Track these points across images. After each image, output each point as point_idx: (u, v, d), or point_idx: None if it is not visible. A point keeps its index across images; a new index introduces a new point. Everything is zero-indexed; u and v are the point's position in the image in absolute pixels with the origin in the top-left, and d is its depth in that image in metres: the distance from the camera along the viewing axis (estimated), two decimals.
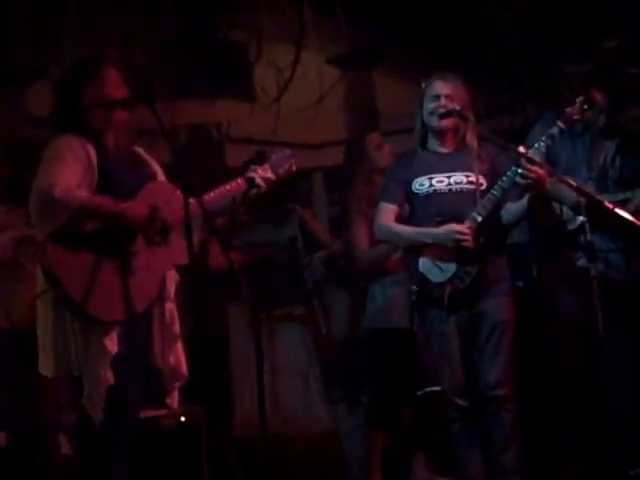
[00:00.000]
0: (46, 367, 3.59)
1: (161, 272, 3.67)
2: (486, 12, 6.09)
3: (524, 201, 4.18)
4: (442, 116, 4.28)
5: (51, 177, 3.44)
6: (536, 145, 4.17)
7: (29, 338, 3.87)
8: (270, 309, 4.93)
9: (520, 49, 6.13)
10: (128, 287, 3.53)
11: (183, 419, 4.90)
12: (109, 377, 3.49)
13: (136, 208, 3.56)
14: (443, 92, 4.29)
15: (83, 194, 3.48)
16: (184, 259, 3.56)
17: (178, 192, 3.57)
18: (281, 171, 4.03)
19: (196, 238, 3.56)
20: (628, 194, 4.45)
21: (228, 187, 3.87)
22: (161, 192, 3.67)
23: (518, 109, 6.33)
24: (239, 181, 3.91)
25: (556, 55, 6.01)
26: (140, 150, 3.83)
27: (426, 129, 4.38)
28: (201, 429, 4.91)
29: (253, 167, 4.00)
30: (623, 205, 4.18)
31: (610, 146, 4.57)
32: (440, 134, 4.36)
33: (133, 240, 3.57)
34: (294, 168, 4.08)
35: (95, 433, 3.52)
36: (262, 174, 3.95)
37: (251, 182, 3.92)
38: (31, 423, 4.86)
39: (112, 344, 3.50)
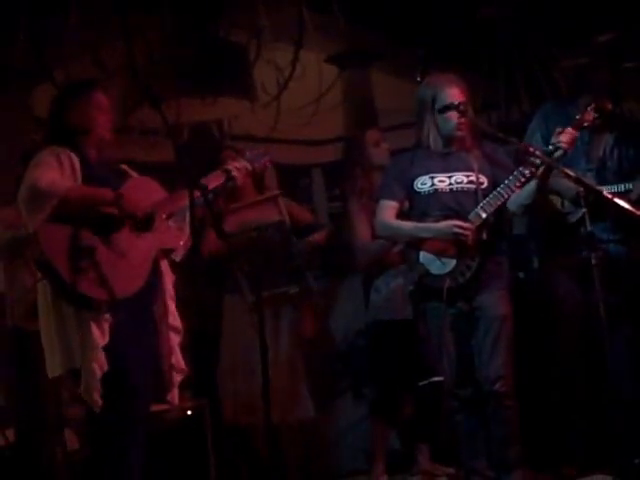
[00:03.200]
0: (53, 367, 3.69)
1: (149, 256, 3.81)
2: (484, 10, 6.13)
3: (533, 183, 4.21)
4: (460, 125, 4.32)
5: (36, 175, 3.66)
6: (545, 149, 4.21)
7: (29, 335, 3.96)
8: (266, 291, 4.97)
9: (516, 43, 6.17)
10: (118, 269, 3.68)
11: (189, 412, 4.96)
12: (102, 365, 3.59)
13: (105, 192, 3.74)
14: (462, 100, 4.29)
15: (66, 184, 3.68)
16: (172, 243, 3.86)
17: (154, 183, 3.90)
18: (256, 165, 4.21)
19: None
20: (629, 185, 4.50)
21: (213, 183, 4.01)
22: (142, 185, 3.91)
23: (514, 102, 6.37)
24: (217, 174, 4.06)
25: (552, 49, 6.06)
26: (124, 166, 4.04)
27: (436, 131, 4.38)
28: (206, 422, 4.97)
29: (230, 162, 4.18)
30: (624, 196, 4.24)
31: (608, 138, 4.62)
32: (450, 137, 4.39)
33: (119, 225, 3.73)
34: (269, 164, 4.30)
35: (103, 426, 3.62)
36: (238, 166, 4.12)
37: (228, 174, 4.06)
38: (34, 419, 4.93)
39: (102, 333, 3.61)
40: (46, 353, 3.71)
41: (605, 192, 4.05)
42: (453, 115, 4.31)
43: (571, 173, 4.10)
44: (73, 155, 3.77)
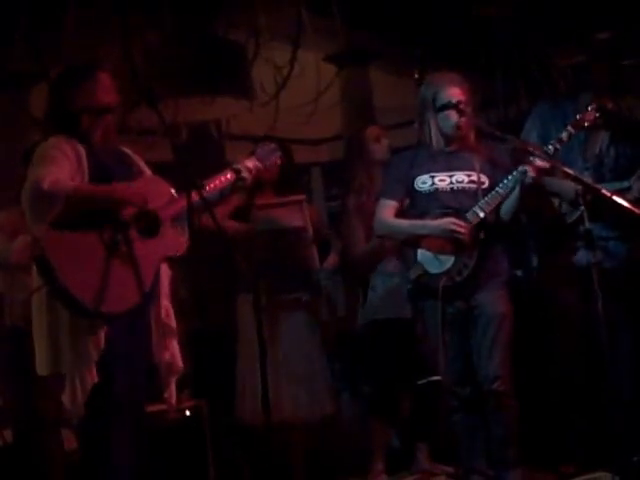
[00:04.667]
0: (41, 366, 3.64)
1: (154, 263, 3.73)
2: (482, 9, 6.14)
3: (515, 194, 4.21)
4: (460, 124, 4.31)
5: (39, 173, 3.52)
6: (544, 148, 4.21)
7: (28, 334, 3.95)
8: (277, 295, 4.96)
9: (515, 42, 6.17)
10: (125, 280, 3.60)
11: (188, 413, 4.96)
12: (94, 376, 3.54)
13: (125, 188, 3.64)
14: (462, 99, 4.29)
15: (71, 183, 3.55)
16: (176, 251, 3.75)
17: (166, 185, 3.76)
18: (267, 163, 4.16)
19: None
20: (625, 183, 4.49)
21: (217, 181, 3.97)
22: (150, 186, 3.78)
23: (512, 101, 6.37)
24: (227, 172, 4.01)
25: (550, 47, 6.07)
26: (127, 150, 3.92)
27: (437, 130, 4.37)
28: (205, 422, 4.97)
29: (240, 159, 4.12)
30: (622, 194, 4.24)
31: (605, 136, 4.61)
32: (451, 136, 4.38)
33: (125, 231, 3.63)
34: (279, 161, 4.25)
35: (99, 428, 3.61)
36: (248, 165, 4.07)
37: (238, 173, 4.03)
38: (32, 419, 4.92)
39: (98, 343, 3.55)
40: (36, 351, 3.65)
41: (604, 190, 4.05)
42: (453, 114, 4.30)
43: (569, 171, 4.10)
44: (79, 146, 3.64)
